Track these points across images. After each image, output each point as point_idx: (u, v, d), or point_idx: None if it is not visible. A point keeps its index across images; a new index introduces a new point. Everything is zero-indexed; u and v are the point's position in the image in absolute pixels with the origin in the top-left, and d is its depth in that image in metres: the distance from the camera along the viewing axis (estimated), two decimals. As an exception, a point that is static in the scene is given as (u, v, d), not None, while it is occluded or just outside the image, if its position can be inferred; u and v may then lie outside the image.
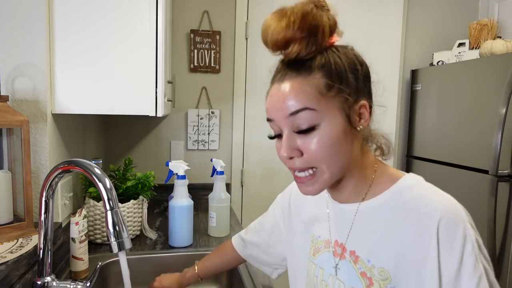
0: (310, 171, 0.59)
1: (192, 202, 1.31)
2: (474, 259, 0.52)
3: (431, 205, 0.55)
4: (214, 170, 1.46)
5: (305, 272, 0.73)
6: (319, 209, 0.72)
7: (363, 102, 0.59)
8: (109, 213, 0.70)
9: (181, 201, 1.27)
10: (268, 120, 0.64)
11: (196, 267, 0.99)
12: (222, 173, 1.44)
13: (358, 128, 0.59)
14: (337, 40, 0.59)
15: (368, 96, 0.61)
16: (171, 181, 1.43)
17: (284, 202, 0.84)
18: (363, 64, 0.61)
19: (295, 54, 0.57)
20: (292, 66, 0.59)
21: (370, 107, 0.61)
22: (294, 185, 0.81)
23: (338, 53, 0.58)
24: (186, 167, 1.30)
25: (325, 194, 0.71)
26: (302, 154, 0.58)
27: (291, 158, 0.59)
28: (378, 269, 0.58)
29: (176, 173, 1.29)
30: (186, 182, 1.29)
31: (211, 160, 1.51)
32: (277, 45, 0.58)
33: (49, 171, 0.76)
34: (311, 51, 0.56)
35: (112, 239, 0.70)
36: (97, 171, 0.72)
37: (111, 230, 0.70)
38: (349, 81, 0.58)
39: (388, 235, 0.58)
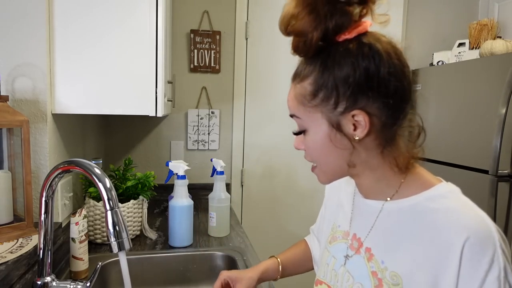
0: (314, 164, 0.63)
1: (192, 202, 1.30)
2: (497, 287, 0.49)
3: (461, 221, 0.52)
4: (214, 170, 1.46)
5: (320, 255, 0.75)
6: (347, 199, 0.72)
7: (358, 111, 0.54)
8: (109, 213, 0.70)
9: (181, 201, 1.27)
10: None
11: (276, 257, 0.88)
12: (222, 173, 1.44)
13: (356, 137, 0.55)
14: (352, 36, 0.54)
15: (373, 101, 0.54)
16: (171, 181, 1.43)
17: (326, 191, 0.85)
18: (366, 67, 0.53)
19: (294, 46, 0.56)
20: (297, 68, 0.60)
21: (377, 113, 0.55)
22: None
23: (342, 56, 0.54)
24: (186, 167, 1.30)
25: (352, 187, 0.71)
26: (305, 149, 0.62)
27: (300, 149, 0.63)
28: (391, 273, 0.57)
29: (176, 173, 1.29)
30: (186, 182, 1.29)
31: (211, 160, 1.51)
32: (283, 22, 0.55)
33: (49, 171, 0.76)
34: (311, 48, 0.54)
35: (112, 239, 0.70)
36: (97, 171, 0.72)
37: (111, 230, 0.70)
38: (339, 89, 0.54)
39: (408, 241, 0.56)
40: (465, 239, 0.50)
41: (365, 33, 0.55)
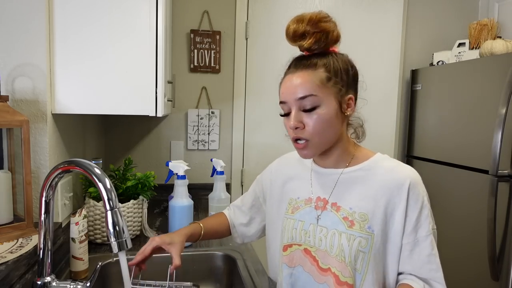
0: (304, 142, 0.79)
1: (192, 202, 1.30)
2: (428, 206, 0.80)
3: (404, 172, 0.80)
4: (214, 170, 1.46)
5: (280, 229, 0.91)
6: (304, 173, 0.92)
7: (351, 95, 0.81)
8: (109, 213, 0.70)
9: (181, 201, 1.27)
10: (281, 102, 0.82)
11: (199, 224, 1.01)
12: (222, 173, 1.44)
13: (346, 114, 0.80)
14: (337, 50, 0.81)
15: (355, 92, 0.83)
16: (171, 181, 1.43)
17: (265, 179, 1.03)
18: (353, 67, 0.82)
19: (309, 45, 0.77)
20: (302, 62, 0.79)
21: (355, 99, 0.82)
22: (273, 164, 1.05)
23: (337, 57, 0.79)
24: (186, 167, 1.30)
25: (309, 163, 0.92)
26: (304, 127, 0.78)
27: (296, 128, 0.78)
28: (359, 213, 0.80)
29: (176, 173, 1.29)
30: (186, 182, 1.29)
31: (211, 160, 1.51)
32: (295, 36, 0.77)
33: (49, 171, 0.76)
34: (320, 47, 0.78)
35: (112, 239, 0.70)
36: (97, 171, 0.72)
37: (111, 230, 0.70)
38: (343, 78, 0.79)
39: (367, 190, 0.81)
40: (409, 182, 0.78)
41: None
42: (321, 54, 0.79)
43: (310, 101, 0.76)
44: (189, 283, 0.89)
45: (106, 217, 0.70)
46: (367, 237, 0.78)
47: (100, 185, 0.71)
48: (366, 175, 0.82)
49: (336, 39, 0.79)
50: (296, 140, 0.80)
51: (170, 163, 1.31)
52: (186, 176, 1.30)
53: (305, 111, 0.77)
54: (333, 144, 0.83)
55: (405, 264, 0.79)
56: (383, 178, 0.80)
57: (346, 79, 0.79)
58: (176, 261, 0.86)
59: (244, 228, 1.07)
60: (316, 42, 0.77)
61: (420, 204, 0.78)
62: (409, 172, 0.80)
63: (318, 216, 0.85)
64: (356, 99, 0.83)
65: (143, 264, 0.88)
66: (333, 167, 0.86)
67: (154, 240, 0.88)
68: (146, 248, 0.87)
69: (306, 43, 0.76)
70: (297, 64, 0.80)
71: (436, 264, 0.79)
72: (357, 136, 0.88)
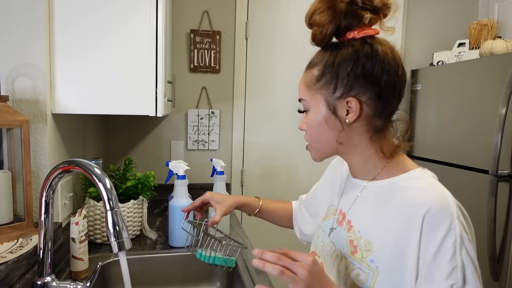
0: (307, 144, 0.74)
1: (191, 202, 1.30)
2: (452, 251, 0.56)
3: (425, 195, 0.60)
4: (214, 170, 1.46)
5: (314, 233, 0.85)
6: (341, 180, 0.82)
7: (352, 98, 0.64)
8: (109, 213, 0.70)
9: (181, 201, 1.27)
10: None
11: (260, 200, 1.02)
12: (222, 173, 1.43)
13: (347, 121, 0.65)
14: (359, 36, 0.64)
15: (366, 91, 0.64)
16: (171, 181, 1.43)
17: (324, 176, 0.94)
18: (364, 60, 0.63)
19: (313, 36, 0.66)
20: (310, 62, 0.71)
21: (368, 102, 0.65)
22: (333, 160, 0.91)
23: (344, 49, 0.64)
24: (186, 167, 1.30)
25: (347, 168, 0.79)
26: (306, 130, 0.72)
27: (302, 130, 0.73)
28: (365, 240, 0.66)
29: (176, 173, 1.29)
30: (186, 182, 1.29)
31: (211, 160, 1.51)
32: (308, 15, 0.66)
33: (49, 171, 0.76)
34: (325, 38, 0.65)
35: (112, 239, 0.70)
36: (97, 171, 0.72)
37: (111, 230, 0.70)
38: (339, 76, 0.64)
39: (382, 214, 0.65)
40: (426, 210, 0.58)
41: (371, 36, 0.65)
42: (332, 46, 0.67)
43: (303, 105, 0.72)
44: (236, 243, 0.94)
45: (106, 217, 0.70)
46: (368, 272, 0.63)
47: (100, 185, 0.71)
48: (390, 194, 0.65)
49: (338, 31, 0.64)
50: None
51: (170, 163, 1.31)
52: (186, 176, 1.30)
53: (300, 112, 0.74)
54: (345, 151, 0.71)
55: None
56: (401, 202, 0.62)
57: (345, 77, 0.63)
58: (216, 218, 0.90)
59: (303, 225, 0.98)
60: (313, 40, 0.68)
61: (440, 240, 0.56)
62: (431, 196, 0.59)
63: (333, 229, 0.74)
64: (378, 100, 0.64)
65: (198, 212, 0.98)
66: (360, 178, 0.73)
67: (206, 194, 0.95)
68: (197, 200, 0.96)
69: (315, 19, 0.66)
70: (310, 60, 0.72)
71: None
72: (399, 142, 0.70)
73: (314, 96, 0.68)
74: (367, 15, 0.64)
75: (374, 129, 0.67)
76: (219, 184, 1.43)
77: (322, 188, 0.92)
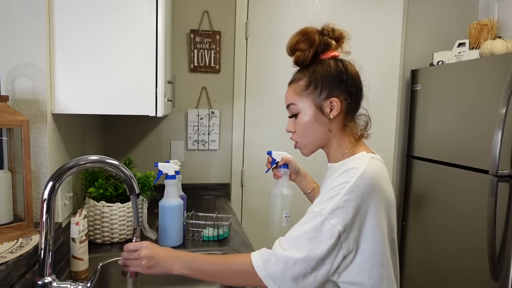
0: (296, 143, 0.92)
1: (182, 201, 1.28)
2: (333, 195, 0.75)
3: (351, 164, 0.79)
4: (274, 162, 1.23)
5: None
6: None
7: (334, 98, 0.85)
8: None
9: (171, 200, 1.25)
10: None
11: (315, 185, 1.20)
12: (286, 166, 1.21)
13: (331, 116, 0.85)
14: (329, 56, 0.87)
15: (342, 93, 0.85)
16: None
17: None
18: (340, 72, 0.85)
19: (294, 63, 0.90)
20: (292, 77, 0.91)
21: (344, 101, 0.86)
22: None
23: (323, 65, 0.86)
24: (177, 167, 1.28)
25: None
26: (295, 131, 0.90)
27: (290, 132, 0.92)
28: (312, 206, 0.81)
29: (166, 173, 1.27)
30: (176, 181, 1.27)
31: (268, 153, 1.25)
32: (291, 45, 0.88)
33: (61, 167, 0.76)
34: (307, 60, 0.87)
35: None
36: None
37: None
38: (323, 83, 0.85)
39: (327, 184, 0.82)
40: (344, 169, 0.78)
41: (338, 57, 0.89)
42: (309, 65, 0.88)
43: (291, 109, 0.89)
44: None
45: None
46: None
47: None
48: (335, 169, 0.84)
49: (315, 54, 0.86)
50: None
51: (159, 164, 1.28)
52: (180, 176, 1.28)
53: (290, 117, 0.91)
54: (328, 142, 0.89)
55: None
56: (340, 172, 0.79)
57: (327, 84, 0.85)
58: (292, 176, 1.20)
59: None
60: (296, 62, 0.89)
61: (334, 185, 0.76)
62: (353, 164, 0.78)
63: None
64: (351, 100, 0.86)
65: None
66: (330, 162, 0.91)
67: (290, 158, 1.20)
68: (282, 159, 1.20)
69: (296, 56, 0.88)
70: (292, 77, 0.92)
71: (294, 229, 0.76)
72: (362, 135, 0.90)
73: (304, 100, 0.87)
74: (333, 42, 0.87)
75: (348, 121, 0.88)
76: (283, 179, 1.21)
77: None
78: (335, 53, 0.88)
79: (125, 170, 0.86)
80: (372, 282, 0.74)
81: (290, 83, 0.91)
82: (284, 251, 0.72)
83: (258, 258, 0.74)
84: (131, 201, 0.86)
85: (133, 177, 0.87)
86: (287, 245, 0.73)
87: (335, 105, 0.85)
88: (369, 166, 0.76)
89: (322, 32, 0.86)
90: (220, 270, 0.78)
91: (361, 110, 0.90)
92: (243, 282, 0.76)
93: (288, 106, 0.90)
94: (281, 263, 0.71)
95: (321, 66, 0.86)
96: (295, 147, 0.92)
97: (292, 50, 0.88)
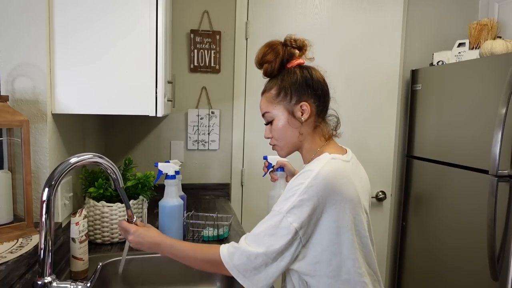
0: (273, 146, 0.98)
1: (182, 201, 1.29)
2: (291, 195, 0.80)
3: (310, 166, 0.83)
4: (270, 166, 1.34)
5: None
6: None
7: (304, 102, 0.91)
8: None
9: (171, 201, 1.26)
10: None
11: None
12: (282, 169, 1.31)
13: (302, 119, 0.91)
14: (294, 65, 0.93)
15: (311, 97, 0.91)
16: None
17: None
18: (306, 78, 0.91)
19: (265, 70, 0.95)
20: (264, 87, 0.97)
21: (313, 104, 0.92)
22: None
23: (289, 74, 0.92)
24: (177, 168, 1.28)
25: None
26: (272, 136, 0.96)
27: (268, 138, 0.98)
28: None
29: (166, 173, 1.28)
30: (176, 182, 1.28)
31: (264, 158, 1.35)
32: (258, 58, 0.95)
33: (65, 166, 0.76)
34: (274, 70, 0.93)
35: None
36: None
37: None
38: (292, 90, 0.91)
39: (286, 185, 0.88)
40: (303, 170, 0.84)
41: (303, 65, 0.95)
42: (277, 75, 0.93)
43: (267, 117, 0.96)
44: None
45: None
46: None
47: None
48: (301, 173, 0.86)
49: (282, 64, 0.92)
50: (272, 145, 1.00)
51: (159, 164, 1.29)
52: (180, 176, 1.28)
53: (266, 124, 0.97)
54: (301, 144, 0.95)
55: None
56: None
57: (295, 90, 0.91)
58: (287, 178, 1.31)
59: None
60: (265, 74, 0.95)
61: (291, 186, 0.82)
62: (312, 167, 0.83)
63: None
64: (319, 103, 0.92)
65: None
66: (304, 163, 0.96)
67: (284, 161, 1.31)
68: (278, 163, 1.32)
69: (264, 68, 0.95)
70: (264, 88, 0.98)
71: (258, 226, 0.83)
72: (331, 135, 0.96)
73: (277, 107, 0.93)
74: (296, 52, 0.93)
75: (318, 122, 0.94)
76: (279, 181, 1.32)
77: None
78: (300, 61, 0.94)
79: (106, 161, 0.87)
80: (330, 270, 0.82)
81: (263, 93, 0.96)
82: (247, 246, 0.81)
83: (225, 252, 0.83)
84: (119, 192, 0.91)
85: (116, 167, 0.90)
86: (250, 241, 0.82)
87: (305, 108, 0.91)
88: (324, 167, 0.82)
89: (285, 44, 0.93)
90: (195, 259, 0.87)
91: (330, 111, 0.96)
92: (213, 270, 0.87)
93: (263, 115, 0.96)
94: (244, 257, 0.80)
95: (288, 74, 0.92)
96: (273, 149, 1.00)
97: (260, 63, 0.94)
